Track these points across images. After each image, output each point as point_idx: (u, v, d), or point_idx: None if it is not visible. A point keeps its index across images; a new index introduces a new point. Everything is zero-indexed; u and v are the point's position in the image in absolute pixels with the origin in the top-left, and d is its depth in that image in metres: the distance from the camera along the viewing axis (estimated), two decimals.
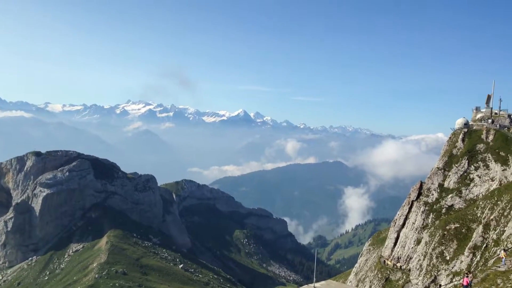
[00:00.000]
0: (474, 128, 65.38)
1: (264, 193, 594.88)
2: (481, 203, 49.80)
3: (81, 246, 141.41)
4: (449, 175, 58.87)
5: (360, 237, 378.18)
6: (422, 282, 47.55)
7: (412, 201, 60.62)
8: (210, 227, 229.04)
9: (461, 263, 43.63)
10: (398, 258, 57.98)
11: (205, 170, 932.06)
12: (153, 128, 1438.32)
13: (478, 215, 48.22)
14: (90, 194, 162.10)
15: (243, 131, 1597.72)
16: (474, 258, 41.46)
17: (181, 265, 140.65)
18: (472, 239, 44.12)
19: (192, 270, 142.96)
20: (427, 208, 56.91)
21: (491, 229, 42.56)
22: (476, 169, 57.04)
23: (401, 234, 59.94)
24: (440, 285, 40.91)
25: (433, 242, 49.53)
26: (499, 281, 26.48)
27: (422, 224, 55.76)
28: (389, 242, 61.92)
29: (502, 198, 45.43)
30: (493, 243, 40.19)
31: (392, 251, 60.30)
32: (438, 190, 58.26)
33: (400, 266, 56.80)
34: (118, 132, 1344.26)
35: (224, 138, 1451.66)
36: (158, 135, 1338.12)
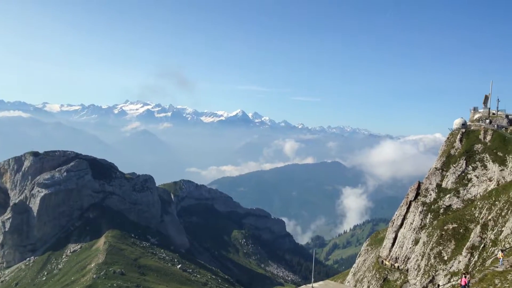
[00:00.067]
0: (472, 128, 65.54)
1: (262, 193, 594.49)
2: (479, 203, 49.91)
3: (79, 246, 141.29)
4: (447, 175, 58.99)
5: (358, 237, 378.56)
6: (420, 282, 47.60)
7: (410, 201, 60.70)
8: (208, 227, 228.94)
9: (459, 263, 43.70)
10: (396, 258, 58.05)
11: (203, 170, 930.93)
12: (151, 128, 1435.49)
13: (476, 215, 48.34)
14: (88, 194, 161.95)
15: (241, 131, 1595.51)
16: (472, 258, 41.52)
17: (179, 265, 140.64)
18: (470, 239, 44.20)
19: (190, 270, 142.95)
20: (425, 208, 56.99)
21: (489, 229, 42.65)
22: (474, 169, 57.15)
23: (399, 234, 60.01)
24: (438, 285, 40.96)
25: (431, 242, 49.62)
26: (496, 281, 26.56)
27: (420, 224, 55.83)
28: (387, 242, 62.01)
29: (500, 198, 45.54)
30: (491, 243, 40.26)
31: (390, 251, 60.38)
32: (436, 190, 58.36)
33: (398, 266, 56.88)
34: (116, 132, 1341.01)
35: (222, 138, 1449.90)
36: (156, 135, 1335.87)
